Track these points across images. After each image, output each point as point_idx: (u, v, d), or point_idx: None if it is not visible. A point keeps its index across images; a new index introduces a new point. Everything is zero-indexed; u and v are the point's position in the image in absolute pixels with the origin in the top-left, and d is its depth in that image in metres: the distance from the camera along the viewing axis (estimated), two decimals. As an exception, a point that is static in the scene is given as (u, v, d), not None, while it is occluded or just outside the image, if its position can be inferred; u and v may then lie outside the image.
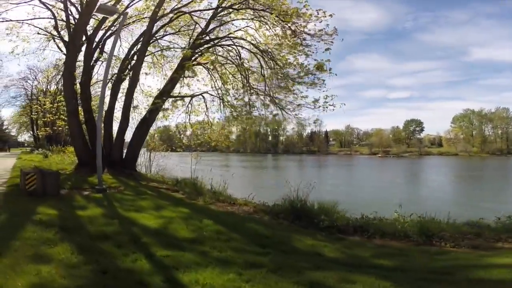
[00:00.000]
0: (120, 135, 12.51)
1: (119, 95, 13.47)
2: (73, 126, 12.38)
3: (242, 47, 12.06)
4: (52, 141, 29.99)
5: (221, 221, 5.88)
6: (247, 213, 7.32)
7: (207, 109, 18.12)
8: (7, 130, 55.41)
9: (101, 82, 15.44)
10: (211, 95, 17.36)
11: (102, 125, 10.84)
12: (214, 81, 16.12)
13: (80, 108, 13.00)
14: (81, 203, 6.89)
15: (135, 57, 13.31)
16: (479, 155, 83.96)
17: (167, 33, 14.23)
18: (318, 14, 10.01)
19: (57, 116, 19.23)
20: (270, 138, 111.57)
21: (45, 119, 19.07)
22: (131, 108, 12.62)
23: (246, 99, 12.07)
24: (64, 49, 13.83)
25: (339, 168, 45.93)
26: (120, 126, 12.45)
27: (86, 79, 12.86)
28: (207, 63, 13.48)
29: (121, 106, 13.25)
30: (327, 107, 10.12)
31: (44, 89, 29.80)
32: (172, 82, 13.19)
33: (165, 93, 13.05)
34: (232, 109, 15.27)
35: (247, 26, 11.89)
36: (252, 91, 11.72)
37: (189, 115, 17.85)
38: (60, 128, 19.35)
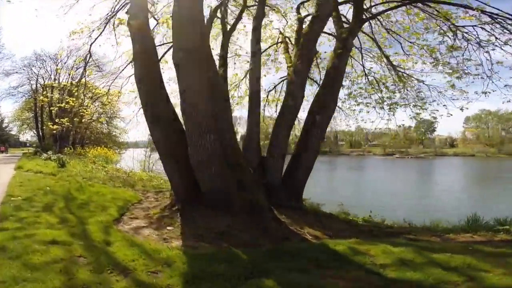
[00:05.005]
0: (282, 133, 5.85)
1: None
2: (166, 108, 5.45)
3: None
4: (63, 141, 22.38)
5: None
6: None
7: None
8: (7, 129, 45.39)
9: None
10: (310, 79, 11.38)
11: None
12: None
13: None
14: None
15: None
16: (497, 156, 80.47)
17: None
18: None
19: (81, 101, 12.34)
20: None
21: (61, 105, 12.14)
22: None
23: None
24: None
25: (383, 170, 39.79)
26: (287, 106, 5.69)
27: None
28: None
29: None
30: None
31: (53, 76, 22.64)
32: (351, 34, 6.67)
33: (348, 44, 6.57)
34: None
35: None
36: None
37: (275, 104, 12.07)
38: (89, 121, 12.37)
